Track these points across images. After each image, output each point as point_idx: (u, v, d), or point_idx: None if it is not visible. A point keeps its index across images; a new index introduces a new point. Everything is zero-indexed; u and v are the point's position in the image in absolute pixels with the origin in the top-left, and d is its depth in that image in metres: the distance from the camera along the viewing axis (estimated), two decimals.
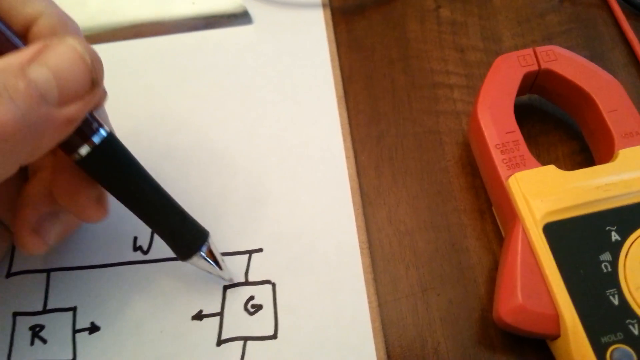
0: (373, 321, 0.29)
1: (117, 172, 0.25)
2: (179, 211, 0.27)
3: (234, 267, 0.30)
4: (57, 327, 0.29)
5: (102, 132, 0.24)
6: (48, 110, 0.21)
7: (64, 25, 0.24)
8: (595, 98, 0.31)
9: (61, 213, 0.28)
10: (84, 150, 0.24)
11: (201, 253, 0.28)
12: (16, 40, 0.22)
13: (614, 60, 0.37)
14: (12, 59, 0.21)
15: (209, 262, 0.28)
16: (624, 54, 0.38)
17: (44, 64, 0.21)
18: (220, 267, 0.28)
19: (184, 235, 0.27)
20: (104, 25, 0.38)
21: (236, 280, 0.30)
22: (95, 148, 0.24)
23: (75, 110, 0.22)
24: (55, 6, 0.25)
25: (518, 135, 0.30)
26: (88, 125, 0.24)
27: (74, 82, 0.22)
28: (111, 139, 0.25)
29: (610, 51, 0.38)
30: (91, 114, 0.24)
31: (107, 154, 0.25)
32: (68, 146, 0.24)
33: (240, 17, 0.38)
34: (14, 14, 0.23)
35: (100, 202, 0.27)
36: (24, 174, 0.28)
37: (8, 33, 0.22)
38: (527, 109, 0.35)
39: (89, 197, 0.27)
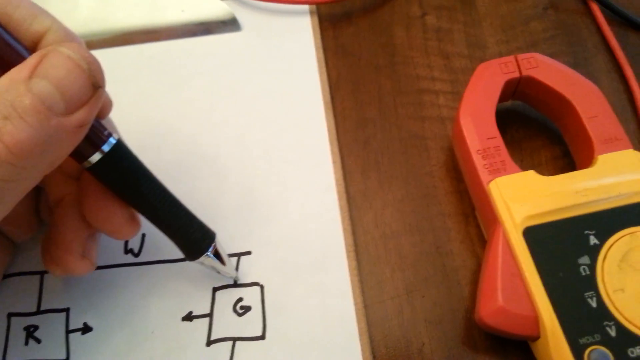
0: (359, 322, 0.29)
1: (128, 178, 0.26)
2: (187, 213, 0.28)
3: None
4: (51, 327, 0.30)
5: (112, 140, 0.25)
6: (58, 121, 0.21)
7: (70, 40, 0.25)
8: (575, 104, 0.32)
9: (97, 233, 0.29)
10: (96, 157, 0.25)
11: (208, 253, 0.28)
12: (24, 52, 0.23)
13: (597, 66, 0.38)
14: (14, 76, 0.21)
15: (215, 261, 0.29)
16: (606, 61, 0.38)
17: (44, 77, 0.22)
18: (226, 267, 0.30)
19: (193, 236, 0.28)
20: (95, 32, 0.39)
21: (240, 279, 0.31)
22: (105, 155, 0.25)
23: (83, 115, 0.23)
24: (61, 22, 0.25)
25: (499, 141, 0.31)
26: (97, 134, 0.25)
27: (76, 88, 0.22)
28: (120, 145, 0.26)
29: (593, 57, 0.39)
30: (99, 123, 0.25)
31: (118, 161, 0.26)
32: (80, 155, 0.24)
33: (229, 24, 0.39)
34: (23, 29, 0.24)
35: (134, 219, 0.28)
36: (36, 207, 0.30)
37: (19, 48, 0.23)
38: (511, 115, 0.36)
39: (122, 216, 0.28)
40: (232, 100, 0.37)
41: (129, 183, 0.26)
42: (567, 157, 0.34)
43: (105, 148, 0.25)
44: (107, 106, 0.28)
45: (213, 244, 0.29)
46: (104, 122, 0.26)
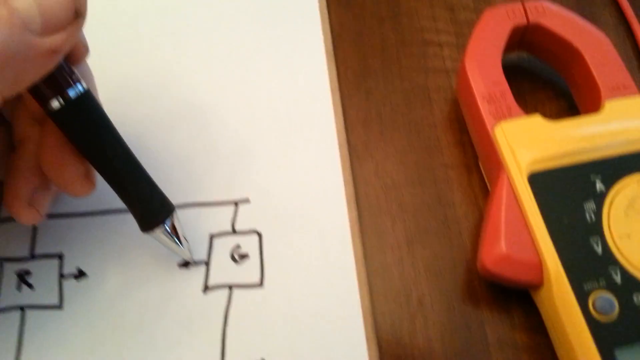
0: (359, 272, 0.29)
1: (90, 131, 0.25)
2: (149, 180, 0.27)
3: (221, 217, 0.30)
4: (44, 272, 0.29)
5: (79, 87, 0.24)
6: (31, 39, 0.21)
7: None
8: (583, 52, 0.31)
9: (52, 184, 0.28)
10: (58, 102, 0.23)
11: (165, 226, 0.27)
12: None
13: (604, 21, 0.37)
14: None
15: (171, 237, 0.28)
16: (613, 15, 0.38)
17: None
18: (182, 245, 0.28)
19: (150, 205, 0.27)
20: None
21: (197, 260, 0.29)
22: (70, 102, 0.24)
23: (58, 41, 0.22)
24: None
25: (505, 86, 0.30)
26: (65, 76, 0.24)
27: (57, 10, 0.21)
28: (88, 95, 0.25)
29: (600, 11, 0.38)
30: (70, 67, 0.24)
31: (82, 111, 0.24)
32: (43, 96, 0.23)
33: None
34: None
35: (88, 177, 0.27)
36: (10, 144, 0.28)
37: None
38: (516, 68, 0.35)
39: (76, 171, 0.26)
40: (233, 50, 0.36)
41: (90, 137, 0.25)
42: (573, 110, 0.33)
43: (71, 93, 0.24)
44: (82, 51, 0.26)
45: (171, 217, 0.27)
46: (80, 71, 0.25)
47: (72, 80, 0.24)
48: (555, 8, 0.32)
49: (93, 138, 0.25)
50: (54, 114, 0.24)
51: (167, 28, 0.36)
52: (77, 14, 0.22)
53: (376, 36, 0.37)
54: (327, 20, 0.36)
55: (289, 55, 0.35)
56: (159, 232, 0.27)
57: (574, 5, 0.38)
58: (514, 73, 0.34)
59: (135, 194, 0.27)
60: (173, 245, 0.28)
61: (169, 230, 0.27)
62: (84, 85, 0.24)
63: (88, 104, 0.25)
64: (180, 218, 0.29)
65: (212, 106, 0.34)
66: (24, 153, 0.27)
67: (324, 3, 0.37)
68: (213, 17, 0.37)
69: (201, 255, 0.29)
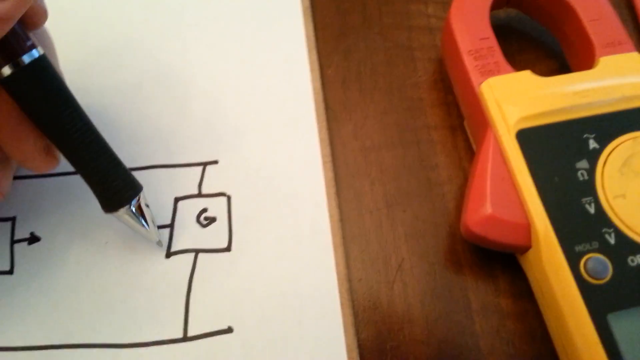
0: (334, 235, 0.27)
1: (46, 101, 0.23)
2: (112, 156, 0.25)
3: (187, 179, 0.28)
4: None
5: (35, 53, 0.22)
6: None
7: None
8: (576, 7, 0.29)
9: (10, 159, 0.26)
10: (9, 68, 0.22)
11: (131, 207, 0.25)
12: None
13: None
14: None
15: (137, 218, 0.25)
16: None
17: None
18: (148, 228, 0.26)
19: (113, 184, 0.25)
20: None
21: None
22: (23, 69, 0.22)
23: (8, 6, 0.20)
24: None
25: (493, 41, 0.28)
26: (18, 41, 0.22)
27: None
28: (43, 61, 0.23)
29: None
30: (24, 32, 0.22)
31: (37, 79, 0.23)
32: None
33: None
34: None
35: (49, 152, 0.25)
36: None
37: None
38: (505, 27, 0.33)
39: (35, 146, 0.24)
40: (205, 5, 0.33)
41: (46, 107, 0.23)
42: (565, 70, 0.31)
43: (25, 59, 0.22)
44: (40, 15, 0.24)
45: (137, 198, 0.25)
46: (37, 36, 0.23)
47: (27, 46, 0.22)
48: None
49: (48, 108, 0.23)
50: (5, 82, 0.22)
51: None
52: None
53: None
54: None
55: (263, 10, 0.33)
56: (122, 213, 0.25)
57: None
58: (503, 32, 0.33)
59: (96, 170, 0.24)
60: (139, 227, 0.26)
61: (134, 212, 0.25)
62: (40, 51, 0.22)
63: (43, 72, 0.23)
64: (145, 181, 0.26)
65: (181, 65, 0.32)
66: None
67: None
68: None
69: (165, 219, 0.27)
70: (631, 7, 0.34)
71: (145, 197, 0.26)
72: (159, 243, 0.27)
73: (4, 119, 0.23)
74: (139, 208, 0.25)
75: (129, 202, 0.25)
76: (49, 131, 0.24)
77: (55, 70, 0.23)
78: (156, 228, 0.26)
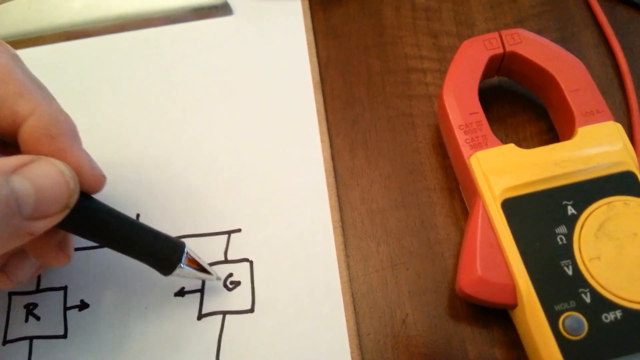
0: (344, 295, 0.30)
1: (92, 227, 0.26)
2: (149, 231, 0.28)
3: (215, 247, 0.32)
4: (50, 304, 0.31)
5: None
6: (18, 222, 0.21)
7: (55, 125, 0.25)
8: (557, 78, 0.32)
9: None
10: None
11: (182, 265, 0.28)
12: None
13: (585, 41, 0.38)
14: None
15: (191, 270, 0.29)
16: (594, 35, 0.39)
17: (29, 178, 0.22)
18: (206, 271, 0.29)
19: (161, 253, 0.28)
20: (90, 20, 0.40)
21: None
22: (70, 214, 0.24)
23: (41, 227, 0.22)
24: (49, 104, 0.25)
25: (481, 116, 0.31)
26: None
27: (51, 202, 0.22)
28: (86, 201, 0.26)
29: (581, 32, 0.39)
30: None
31: (77, 214, 0.25)
32: None
33: (221, 9, 0.40)
34: (4, 111, 0.24)
35: (62, 248, 0.28)
36: None
37: None
38: (496, 91, 0.36)
39: (49, 244, 0.27)
40: (224, 83, 0.37)
41: (90, 234, 0.26)
42: (552, 132, 0.35)
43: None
44: (100, 181, 0.27)
45: (184, 254, 0.28)
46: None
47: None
48: (531, 36, 0.33)
49: (94, 234, 0.26)
50: None
51: (162, 65, 0.38)
52: (67, 207, 0.23)
53: (362, 65, 0.38)
54: (314, 51, 0.38)
55: (278, 88, 0.37)
56: (179, 271, 0.28)
57: (554, 27, 0.39)
58: (495, 96, 0.36)
59: (143, 251, 0.28)
60: (198, 274, 0.29)
61: (186, 267, 0.29)
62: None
63: (85, 210, 0.26)
64: None
65: (203, 138, 0.36)
66: None
67: (311, 34, 0.39)
68: (205, 54, 0.39)
69: (196, 284, 0.31)
70: (619, 74, 0.36)
71: (190, 249, 0.29)
72: (218, 278, 0.31)
73: None
74: (190, 260, 0.29)
75: (179, 262, 0.28)
76: (93, 241, 0.27)
77: (94, 201, 0.26)
78: (210, 268, 0.30)
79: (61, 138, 0.25)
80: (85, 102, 0.37)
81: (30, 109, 0.24)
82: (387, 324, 0.30)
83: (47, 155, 0.24)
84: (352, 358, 0.29)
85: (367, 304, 0.31)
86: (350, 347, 0.29)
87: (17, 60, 0.25)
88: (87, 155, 0.26)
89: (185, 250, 0.29)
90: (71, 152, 0.25)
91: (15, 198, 0.21)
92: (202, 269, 0.29)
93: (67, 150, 0.25)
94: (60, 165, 0.23)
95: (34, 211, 0.22)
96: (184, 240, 0.32)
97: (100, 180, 0.27)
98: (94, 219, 0.26)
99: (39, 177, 0.22)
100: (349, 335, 0.29)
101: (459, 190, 0.33)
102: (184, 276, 0.29)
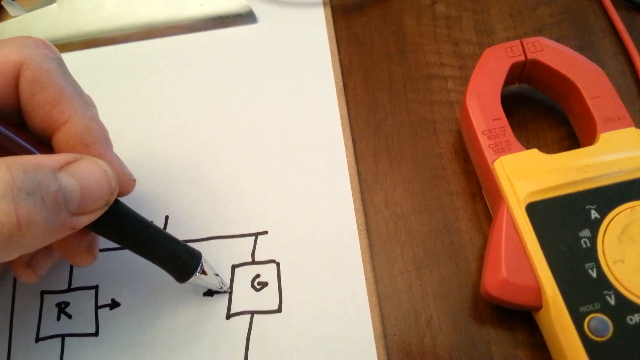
0: (370, 296, 0.31)
1: (120, 229, 0.27)
2: (171, 239, 0.29)
3: (242, 248, 0.33)
4: (81, 303, 0.32)
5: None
6: (63, 217, 0.22)
7: (89, 133, 0.25)
8: (579, 85, 0.33)
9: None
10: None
11: (197, 274, 0.29)
12: (33, 149, 0.24)
13: (604, 49, 0.39)
14: (42, 161, 0.22)
15: (204, 280, 0.30)
16: (613, 44, 0.39)
17: (74, 175, 0.23)
18: (215, 282, 0.31)
19: (180, 260, 0.29)
20: (119, 27, 0.41)
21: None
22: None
23: (83, 222, 0.24)
24: (85, 111, 0.26)
25: (504, 122, 0.32)
26: None
27: (94, 199, 0.23)
28: (115, 205, 0.26)
29: (600, 41, 0.39)
30: None
31: (108, 218, 0.26)
32: None
33: (245, 17, 0.41)
34: (41, 113, 0.25)
35: (89, 249, 0.29)
36: None
37: (18, 140, 0.23)
38: (517, 98, 0.37)
39: (78, 245, 0.28)
40: (249, 88, 0.38)
41: (116, 236, 0.27)
42: (572, 138, 0.35)
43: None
44: (130, 185, 0.28)
45: (200, 264, 0.29)
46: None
47: None
48: (552, 44, 0.34)
49: (120, 237, 0.27)
50: None
51: (188, 71, 0.39)
52: (106, 204, 0.24)
53: (384, 72, 0.39)
54: (337, 58, 0.39)
55: (302, 94, 0.38)
56: (193, 280, 0.29)
57: (573, 35, 0.39)
58: (516, 103, 0.37)
59: (164, 256, 0.29)
60: (208, 284, 0.30)
61: (200, 276, 0.29)
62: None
63: (114, 213, 0.26)
64: (205, 251, 0.31)
65: (230, 144, 0.36)
66: None
67: (334, 41, 0.40)
68: (230, 61, 0.40)
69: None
70: (638, 81, 0.37)
71: (205, 260, 0.30)
72: (228, 290, 0.31)
73: None
74: (203, 271, 0.30)
75: (195, 270, 0.29)
76: (119, 244, 0.28)
77: (121, 205, 0.27)
78: (220, 278, 0.31)
79: (94, 146, 0.26)
80: (112, 108, 0.38)
81: (65, 117, 0.25)
82: (412, 326, 0.31)
83: None
84: (378, 359, 0.29)
85: (393, 306, 0.31)
86: (377, 348, 0.30)
87: (61, 64, 0.26)
88: (119, 159, 0.28)
89: (202, 260, 0.30)
90: (104, 159, 0.26)
91: (62, 194, 0.22)
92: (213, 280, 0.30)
93: (100, 156, 0.26)
94: (103, 164, 0.24)
95: (78, 207, 0.23)
96: (212, 241, 0.33)
97: (130, 184, 0.28)
98: (122, 222, 0.27)
99: (85, 174, 0.23)
100: (375, 336, 0.30)
101: (481, 195, 0.34)
102: (197, 284, 0.30)
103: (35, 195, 0.21)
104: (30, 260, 0.29)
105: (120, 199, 0.27)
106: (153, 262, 0.29)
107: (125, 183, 0.27)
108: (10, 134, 0.23)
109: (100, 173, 0.24)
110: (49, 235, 0.22)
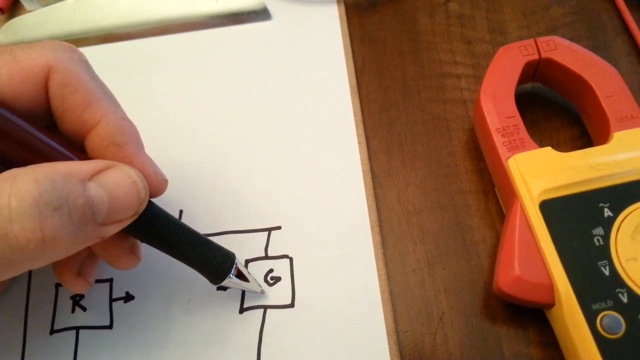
0: (382, 292, 0.31)
1: (152, 232, 0.27)
2: (204, 241, 0.29)
3: (255, 243, 0.33)
4: (96, 296, 0.32)
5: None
6: (91, 228, 0.22)
7: (122, 134, 0.26)
8: (592, 84, 0.33)
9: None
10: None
11: (231, 275, 0.29)
12: (66, 152, 0.24)
13: (616, 49, 0.39)
14: (73, 168, 0.22)
15: (239, 281, 0.30)
16: (626, 44, 0.39)
17: (102, 186, 0.23)
18: (250, 285, 0.30)
19: (214, 262, 0.29)
20: (134, 23, 0.41)
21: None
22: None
23: (110, 231, 0.24)
24: (116, 111, 0.26)
25: (518, 120, 0.32)
26: None
27: (123, 210, 0.24)
28: (149, 208, 0.26)
29: (613, 41, 0.39)
30: None
31: (139, 222, 0.26)
32: None
33: (260, 14, 0.41)
34: (74, 116, 0.25)
35: (133, 252, 0.29)
36: None
37: (53, 144, 0.23)
38: (531, 97, 0.37)
39: (121, 249, 0.28)
40: (263, 85, 0.39)
41: (150, 239, 0.28)
42: (585, 137, 0.35)
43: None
44: (162, 186, 0.28)
45: (234, 265, 0.29)
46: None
47: None
48: (566, 43, 0.34)
49: (156, 239, 0.28)
50: None
51: (202, 67, 0.40)
52: (136, 213, 0.25)
53: (397, 70, 0.39)
54: (350, 57, 0.39)
55: (316, 91, 0.38)
56: (227, 282, 0.29)
57: (586, 35, 0.40)
58: (529, 102, 0.37)
59: (197, 258, 0.29)
60: (242, 285, 0.30)
61: (234, 278, 0.29)
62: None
63: (149, 216, 0.27)
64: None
65: (244, 140, 0.37)
66: None
67: (348, 39, 0.40)
68: (244, 58, 0.40)
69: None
70: None
71: (239, 260, 0.30)
72: (262, 292, 0.31)
73: None
74: (238, 271, 0.30)
75: (229, 272, 0.29)
76: (154, 246, 0.28)
77: (156, 207, 0.27)
78: (255, 281, 0.31)
79: (127, 146, 0.26)
80: (126, 103, 0.37)
81: (97, 118, 0.25)
82: (424, 322, 0.31)
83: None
84: (390, 354, 0.29)
85: (405, 302, 0.31)
86: (389, 344, 0.30)
87: (87, 66, 0.26)
88: (151, 160, 0.27)
89: (235, 261, 0.30)
90: (137, 159, 0.26)
91: (90, 206, 0.22)
92: (246, 280, 0.30)
93: (133, 157, 0.26)
94: (133, 175, 0.24)
95: (106, 217, 0.23)
96: (225, 236, 0.33)
97: (162, 185, 0.28)
98: (155, 225, 0.27)
99: (114, 185, 0.23)
100: (387, 332, 0.30)
101: (494, 193, 0.34)
102: (231, 286, 0.30)
103: (62, 211, 0.21)
104: (79, 270, 0.29)
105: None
106: (186, 264, 0.29)
107: (159, 184, 0.27)
108: (46, 139, 0.23)
109: (129, 184, 0.24)
110: (76, 245, 0.23)
